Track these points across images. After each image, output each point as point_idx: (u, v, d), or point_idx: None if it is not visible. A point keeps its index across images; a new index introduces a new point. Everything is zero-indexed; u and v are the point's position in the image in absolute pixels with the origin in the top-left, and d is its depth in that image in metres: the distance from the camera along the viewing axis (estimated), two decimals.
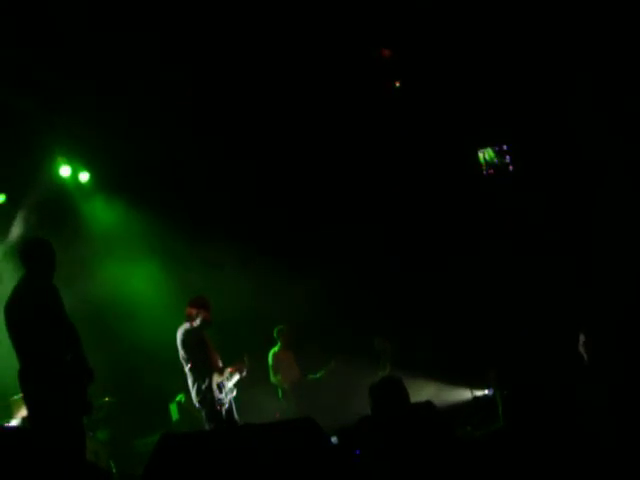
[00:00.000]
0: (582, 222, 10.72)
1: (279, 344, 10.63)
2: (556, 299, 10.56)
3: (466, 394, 10.20)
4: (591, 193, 10.58)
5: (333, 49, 10.45)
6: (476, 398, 9.95)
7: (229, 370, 8.14)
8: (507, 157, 12.00)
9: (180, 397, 10.37)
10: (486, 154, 12.01)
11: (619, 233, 10.00)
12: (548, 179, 11.23)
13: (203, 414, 7.77)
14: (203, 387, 7.71)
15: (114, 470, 8.60)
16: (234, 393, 8.02)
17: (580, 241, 10.67)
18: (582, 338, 8.57)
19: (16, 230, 9.58)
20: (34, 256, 5.80)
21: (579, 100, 10.34)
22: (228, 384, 7.97)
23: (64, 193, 10.71)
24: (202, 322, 7.78)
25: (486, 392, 9.87)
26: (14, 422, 8.31)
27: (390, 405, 5.02)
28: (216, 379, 7.77)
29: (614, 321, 8.33)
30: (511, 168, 12.00)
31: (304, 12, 9.67)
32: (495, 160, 12.01)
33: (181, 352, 7.86)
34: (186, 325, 7.86)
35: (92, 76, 9.23)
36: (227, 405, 7.81)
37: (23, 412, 7.84)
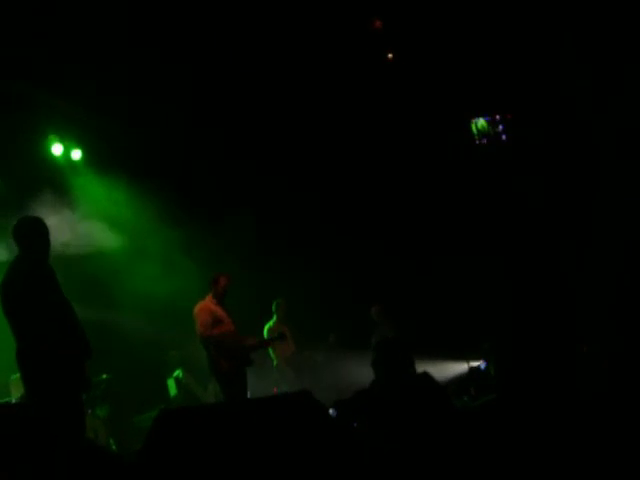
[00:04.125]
0: (580, 197, 10.69)
1: (275, 317, 10.65)
2: (552, 276, 10.59)
3: (462, 365, 10.27)
4: (589, 167, 10.55)
5: (326, 20, 10.37)
6: (472, 369, 10.01)
7: (250, 342, 8.54)
8: (500, 126, 11.98)
9: (178, 373, 10.42)
10: (478, 124, 11.98)
11: (618, 209, 9.98)
12: (542, 151, 11.21)
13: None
14: (207, 356, 8.08)
15: (114, 447, 8.66)
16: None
17: (577, 216, 10.66)
18: None
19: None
20: (28, 235, 5.78)
21: (574, 67, 10.28)
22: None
23: (56, 171, 10.67)
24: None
25: (481, 363, 9.93)
26: (13, 398, 8.36)
27: (394, 367, 5.01)
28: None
29: (612, 303, 8.36)
30: (504, 137, 11.98)
31: None
32: (487, 129, 11.98)
33: None
34: None
35: (85, 54, 9.15)
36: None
37: (21, 391, 7.87)
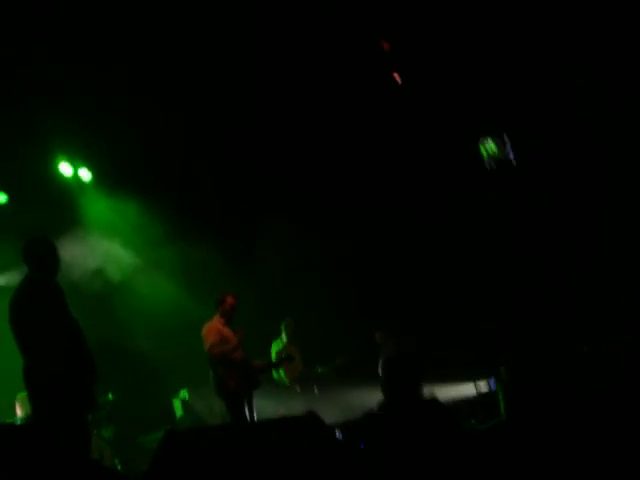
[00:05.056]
0: (589, 214, 10.67)
1: (283, 337, 10.59)
2: (560, 296, 10.54)
3: (469, 387, 10.21)
4: (600, 185, 10.53)
5: (332, 40, 10.41)
6: (480, 392, 9.96)
7: (257, 364, 8.59)
8: (510, 150, 11.99)
9: (183, 394, 10.38)
10: (487, 146, 11.98)
11: (628, 227, 9.95)
12: (552, 171, 11.19)
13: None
14: (214, 377, 8.08)
15: (119, 467, 8.63)
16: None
17: (587, 234, 10.63)
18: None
19: None
20: (36, 255, 5.80)
21: (585, 89, 10.29)
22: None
23: (65, 191, 10.71)
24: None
25: (489, 386, 9.88)
26: (18, 419, 8.35)
27: (402, 381, 4.98)
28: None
29: (617, 318, 8.33)
30: (514, 160, 11.98)
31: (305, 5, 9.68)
32: (497, 152, 11.98)
33: None
34: None
35: (93, 73, 9.22)
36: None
37: (27, 409, 7.87)
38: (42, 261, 5.78)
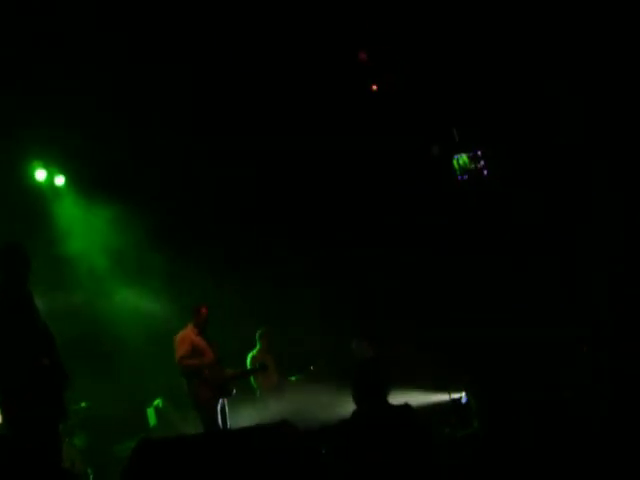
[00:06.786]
0: (564, 224, 10.78)
1: (258, 347, 10.56)
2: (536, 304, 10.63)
3: (443, 396, 10.23)
4: (572, 195, 10.65)
5: (311, 52, 10.48)
6: (453, 400, 9.98)
7: (230, 372, 8.60)
8: (481, 162, 12.11)
9: (157, 402, 10.31)
10: (460, 160, 12.09)
11: (603, 235, 10.05)
12: (524, 183, 11.31)
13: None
14: (188, 386, 8.10)
15: (91, 477, 8.54)
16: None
17: (562, 243, 10.73)
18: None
19: None
20: (8, 261, 5.73)
21: (559, 104, 10.42)
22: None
23: (39, 197, 10.63)
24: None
25: (462, 395, 9.90)
26: None
27: (370, 386, 4.99)
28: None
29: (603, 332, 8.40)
30: (485, 173, 12.10)
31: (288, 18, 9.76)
32: (469, 165, 12.10)
33: None
34: None
35: (69, 79, 9.19)
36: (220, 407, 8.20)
37: None
38: (13, 268, 5.70)
